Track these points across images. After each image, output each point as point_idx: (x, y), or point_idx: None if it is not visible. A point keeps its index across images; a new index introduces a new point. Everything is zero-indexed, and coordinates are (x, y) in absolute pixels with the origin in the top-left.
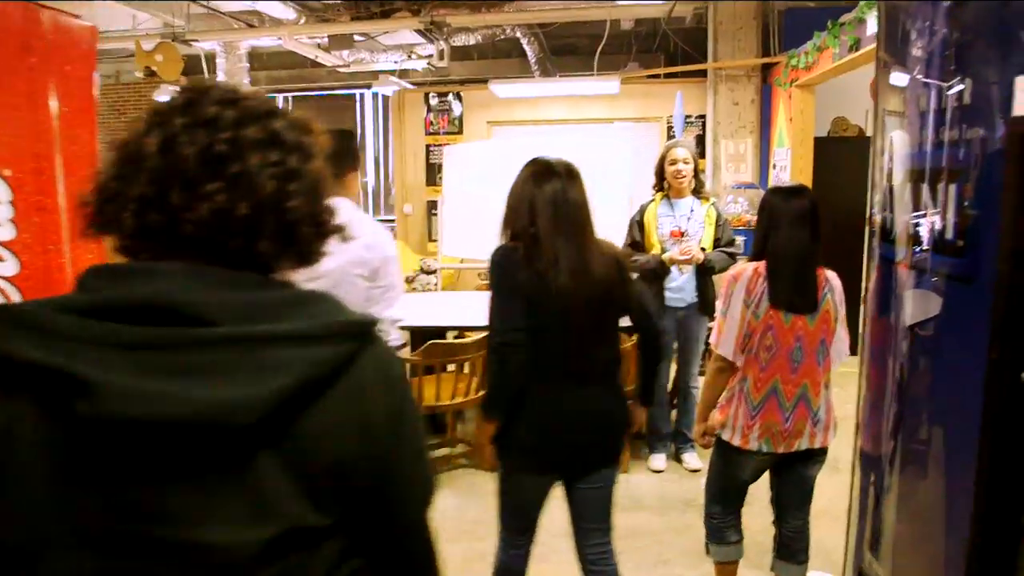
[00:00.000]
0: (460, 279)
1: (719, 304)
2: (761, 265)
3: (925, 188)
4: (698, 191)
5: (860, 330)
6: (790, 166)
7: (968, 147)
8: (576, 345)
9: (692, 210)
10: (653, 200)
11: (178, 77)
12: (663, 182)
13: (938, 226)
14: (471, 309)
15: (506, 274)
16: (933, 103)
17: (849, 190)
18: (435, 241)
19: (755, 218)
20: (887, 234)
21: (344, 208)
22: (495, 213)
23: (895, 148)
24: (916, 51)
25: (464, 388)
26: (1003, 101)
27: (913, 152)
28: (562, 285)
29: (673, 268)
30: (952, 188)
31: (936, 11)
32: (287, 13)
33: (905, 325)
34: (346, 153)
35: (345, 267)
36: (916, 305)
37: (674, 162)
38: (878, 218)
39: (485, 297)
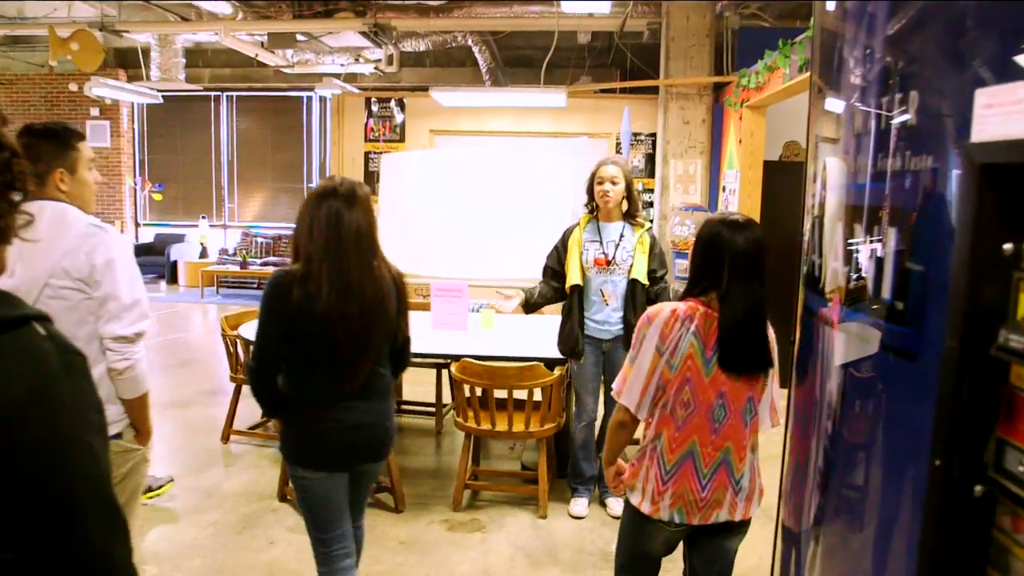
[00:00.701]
0: None
1: (631, 348)
2: (683, 307)
3: (860, 230)
4: (631, 215)
5: (789, 389)
6: (739, 189)
7: (914, 179)
8: (342, 362)
9: (622, 236)
10: (578, 224)
11: (96, 68)
12: (592, 202)
13: (873, 280)
14: None
15: (274, 300)
16: (873, 128)
17: (796, 217)
18: None
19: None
20: (814, 280)
21: (47, 211)
22: (434, 226)
23: (828, 175)
24: (854, 79)
25: None
26: (958, 125)
27: (849, 184)
28: (326, 304)
29: (596, 297)
30: (892, 232)
31: (875, 39)
32: (223, 8)
33: (830, 400)
34: (51, 152)
35: (40, 277)
36: (845, 380)
37: (601, 181)
38: (811, 245)
39: (421, 319)
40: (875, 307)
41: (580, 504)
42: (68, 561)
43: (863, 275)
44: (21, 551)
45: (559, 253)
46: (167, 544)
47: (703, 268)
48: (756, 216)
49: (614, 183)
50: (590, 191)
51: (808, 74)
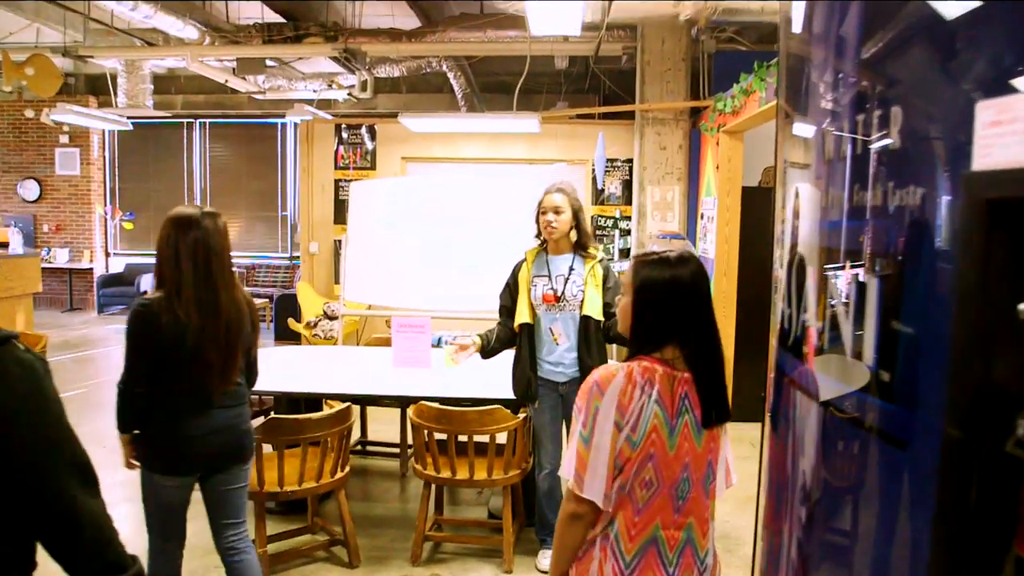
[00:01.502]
0: (366, 327)
1: (575, 423)
2: (639, 368)
3: (840, 281)
4: (581, 246)
5: (761, 448)
6: (717, 217)
7: (898, 216)
8: (212, 375)
9: (571, 269)
10: (525, 259)
11: (53, 94)
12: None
13: (852, 343)
14: (361, 369)
15: (142, 328)
16: (848, 153)
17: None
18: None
19: None
20: (784, 334)
21: None
22: (401, 256)
23: (801, 203)
24: (825, 103)
25: (316, 469)
26: (951, 148)
27: (821, 221)
28: (197, 326)
29: (547, 336)
30: (874, 283)
31: (846, 63)
32: (189, 32)
33: (804, 482)
34: None
35: None
36: (820, 462)
37: (544, 211)
38: (781, 289)
39: (386, 355)
40: (862, 367)
41: (548, 557)
42: (44, 505)
43: (839, 335)
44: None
45: (511, 290)
46: None
47: (652, 320)
48: (735, 245)
49: (558, 212)
50: (538, 221)
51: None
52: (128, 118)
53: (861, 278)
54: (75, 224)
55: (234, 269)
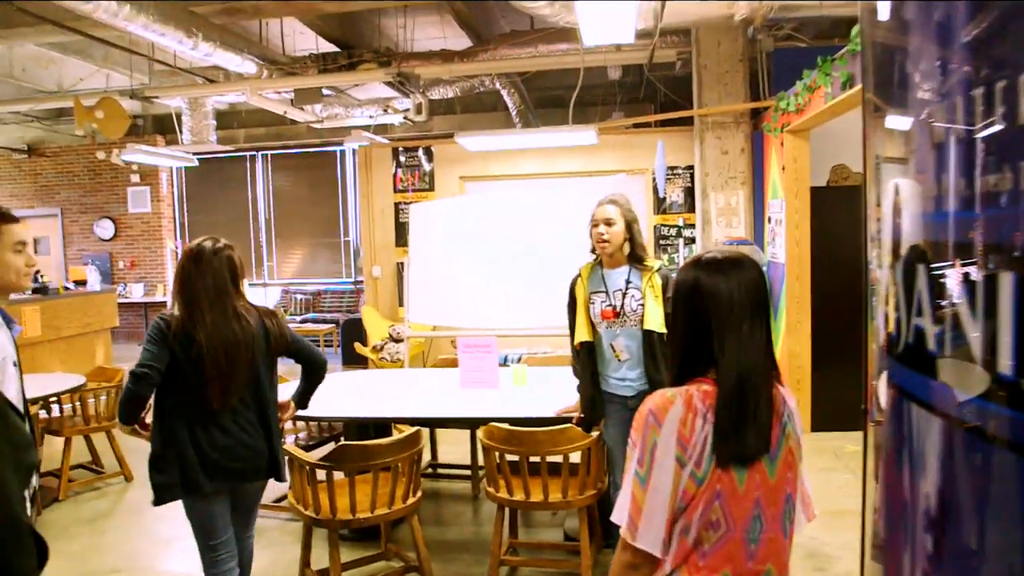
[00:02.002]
0: (432, 348)
1: (630, 460)
2: (696, 392)
3: (954, 277)
4: (636, 258)
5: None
6: (785, 219)
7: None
8: (215, 389)
9: (628, 282)
10: (579, 275)
11: (121, 135)
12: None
13: (979, 348)
14: (428, 391)
15: (158, 335)
16: (953, 145)
17: (852, 245)
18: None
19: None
20: (892, 342)
21: None
22: (464, 275)
23: (902, 199)
24: (923, 94)
25: (387, 495)
26: None
27: (926, 213)
28: (201, 342)
29: (609, 353)
30: (1008, 279)
31: (950, 49)
32: (247, 67)
33: (928, 507)
34: None
35: None
36: (947, 484)
37: (597, 224)
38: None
39: (454, 375)
40: (982, 373)
41: None
42: None
43: (963, 338)
44: None
45: (570, 311)
46: None
47: (692, 331)
48: (806, 247)
49: (610, 224)
50: (591, 235)
51: (854, 91)
52: (193, 154)
53: (974, 276)
54: (148, 259)
55: (246, 292)
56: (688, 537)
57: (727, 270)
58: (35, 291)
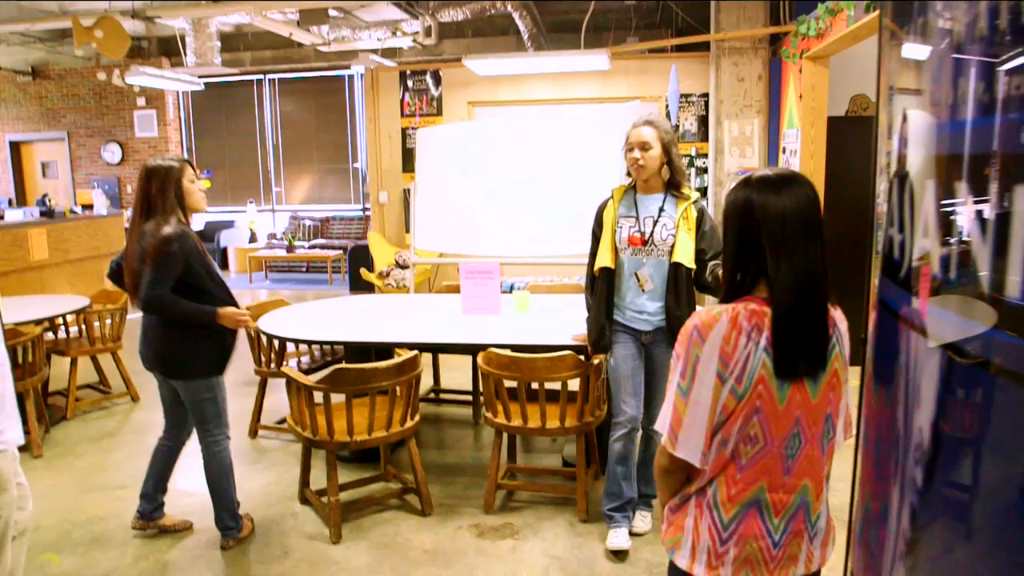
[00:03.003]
0: (437, 275)
1: (674, 373)
2: (744, 310)
3: (963, 188)
4: (674, 185)
5: (861, 394)
6: (800, 149)
7: None
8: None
9: (662, 210)
10: (611, 197)
11: (123, 56)
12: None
13: (987, 267)
14: (431, 317)
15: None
16: (974, 81)
17: (867, 177)
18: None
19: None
20: (893, 265)
21: None
22: (474, 202)
23: (911, 129)
24: (942, 22)
25: (385, 418)
26: None
27: (941, 125)
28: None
29: (631, 281)
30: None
31: None
32: None
33: (920, 440)
34: None
35: None
36: (942, 414)
37: (631, 147)
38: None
39: (457, 301)
40: (988, 308)
41: (619, 535)
42: None
43: (970, 255)
44: None
45: (595, 235)
46: (180, 553)
47: (742, 250)
48: (820, 179)
49: (645, 148)
50: (626, 158)
51: (875, 15)
52: (200, 77)
53: (986, 213)
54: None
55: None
56: (726, 449)
57: (780, 188)
58: (42, 214)
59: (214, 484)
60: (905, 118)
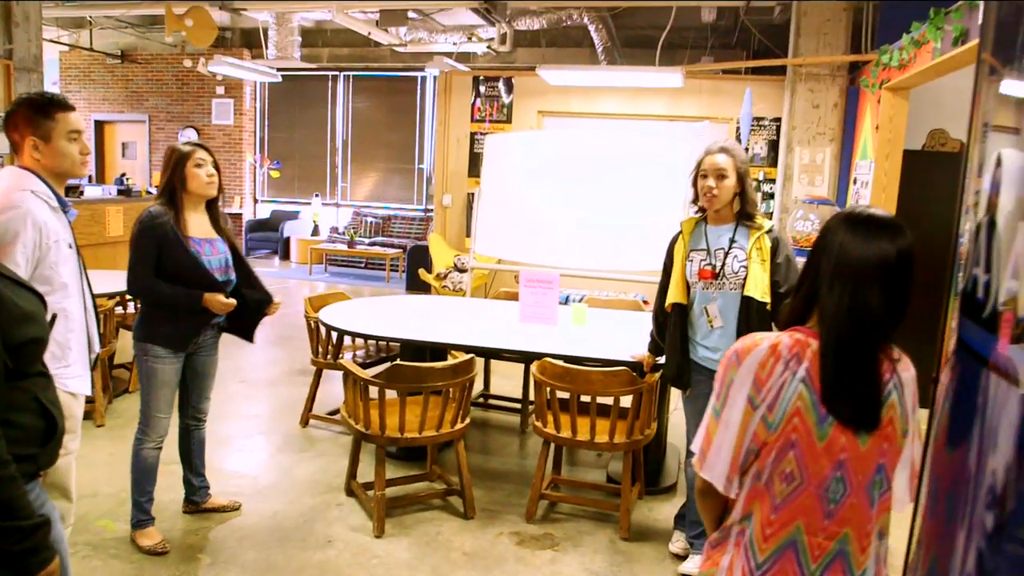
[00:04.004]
0: (495, 281)
1: (713, 393)
2: (788, 340)
3: None
4: (746, 215)
5: (927, 437)
6: (872, 182)
7: None
8: None
9: (732, 241)
10: (681, 231)
11: (208, 45)
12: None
13: None
14: (487, 322)
15: None
16: None
17: (941, 216)
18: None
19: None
20: (975, 306)
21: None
22: (537, 211)
23: (1004, 170)
24: None
25: (436, 418)
26: None
27: None
28: None
29: (701, 318)
30: None
31: None
32: None
33: (994, 483)
34: (26, 120)
35: None
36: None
37: (705, 174)
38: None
39: (514, 309)
40: None
41: (694, 560)
42: None
43: None
44: None
45: (666, 269)
46: (227, 532)
47: (808, 279)
48: (893, 211)
49: (722, 177)
50: (695, 184)
51: (966, 47)
52: (278, 70)
53: None
54: (228, 171)
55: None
56: (761, 482)
57: (865, 229)
58: (120, 192)
59: (132, 471)
60: (999, 162)
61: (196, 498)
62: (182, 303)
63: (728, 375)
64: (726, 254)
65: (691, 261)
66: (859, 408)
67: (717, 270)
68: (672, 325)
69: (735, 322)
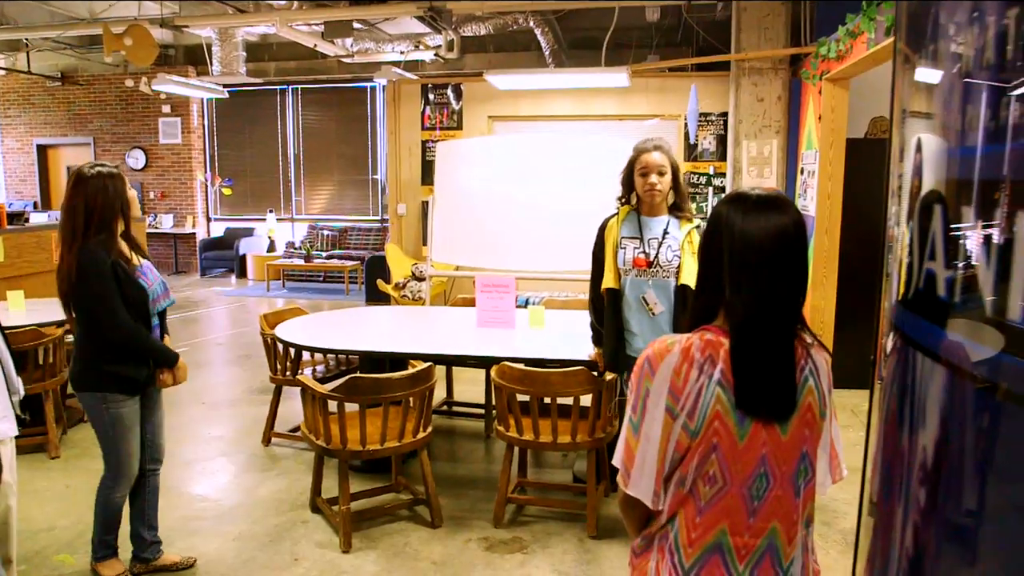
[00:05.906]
0: (454, 288)
1: (627, 405)
2: (699, 342)
3: (971, 213)
4: (678, 207)
5: (869, 418)
6: (818, 171)
7: None
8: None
9: (666, 232)
10: (615, 215)
11: (151, 63)
12: (631, 194)
13: (994, 291)
14: (446, 330)
15: None
16: (985, 105)
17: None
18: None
19: None
20: (905, 291)
21: None
22: (492, 216)
23: (924, 154)
24: (955, 47)
25: (398, 429)
26: None
27: (951, 149)
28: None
29: (638, 308)
30: None
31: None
32: None
33: (925, 460)
34: None
35: None
36: (946, 436)
37: (646, 172)
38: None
39: (472, 315)
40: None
41: None
42: None
43: (976, 282)
44: None
45: (596, 257)
46: (191, 555)
47: (707, 273)
48: (837, 201)
49: (661, 173)
50: (628, 181)
51: (895, 38)
52: (224, 86)
53: (996, 238)
54: (178, 191)
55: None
56: (684, 488)
57: (757, 209)
58: None
59: (96, 508)
60: (919, 146)
61: (147, 555)
62: (160, 358)
63: (643, 385)
64: (660, 243)
65: (623, 248)
66: (775, 401)
67: (651, 259)
68: (607, 313)
69: (671, 310)
